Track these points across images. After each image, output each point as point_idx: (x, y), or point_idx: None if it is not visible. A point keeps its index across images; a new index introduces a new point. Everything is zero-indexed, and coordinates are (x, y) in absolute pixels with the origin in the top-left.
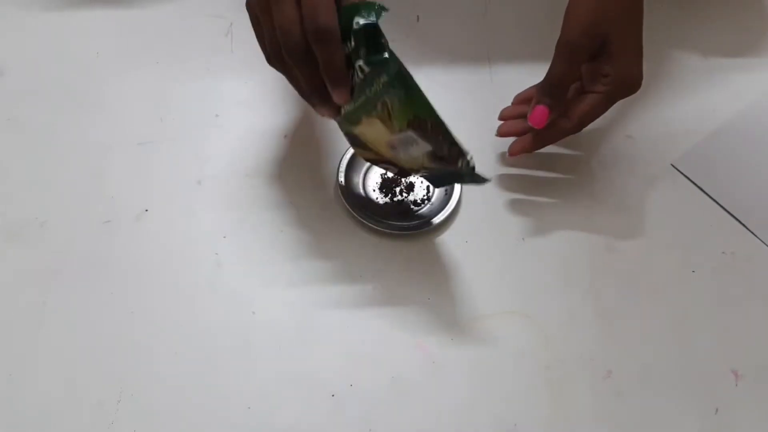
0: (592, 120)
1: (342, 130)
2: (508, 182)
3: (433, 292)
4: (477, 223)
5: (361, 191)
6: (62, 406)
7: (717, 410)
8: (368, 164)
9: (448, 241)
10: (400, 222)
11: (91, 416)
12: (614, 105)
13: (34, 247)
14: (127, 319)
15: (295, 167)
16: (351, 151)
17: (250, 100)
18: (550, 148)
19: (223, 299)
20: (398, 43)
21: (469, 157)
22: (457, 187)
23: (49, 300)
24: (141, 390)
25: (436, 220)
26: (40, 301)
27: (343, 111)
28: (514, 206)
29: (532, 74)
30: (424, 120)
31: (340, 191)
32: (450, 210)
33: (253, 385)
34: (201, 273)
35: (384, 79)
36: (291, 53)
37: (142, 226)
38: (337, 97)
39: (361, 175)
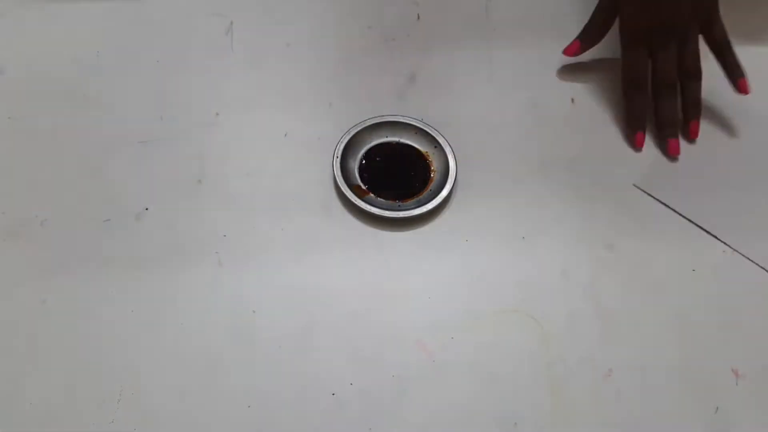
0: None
1: None
2: (508, 182)
3: (434, 290)
4: (477, 222)
5: (360, 182)
6: (62, 405)
7: (717, 409)
8: (362, 156)
9: (449, 239)
10: (397, 208)
11: (91, 415)
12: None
13: (34, 246)
14: (127, 318)
15: (295, 165)
16: (344, 143)
17: (251, 99)
18: (551, 144)
19: (223, 298)
20: (399, 42)
21: None
22: (451, 175)
23: (49, 298)
24: (141, 389)
25: (431, 205)
26: (39, 300)
27: None
28: (515, 205)
29: (533, 73)
30: None
31: (336, 182)
32: (446, 192)
33: (253, 384)
34: (201, 272)
35: None
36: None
37: (143, 224)
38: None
39: (357, 167)
